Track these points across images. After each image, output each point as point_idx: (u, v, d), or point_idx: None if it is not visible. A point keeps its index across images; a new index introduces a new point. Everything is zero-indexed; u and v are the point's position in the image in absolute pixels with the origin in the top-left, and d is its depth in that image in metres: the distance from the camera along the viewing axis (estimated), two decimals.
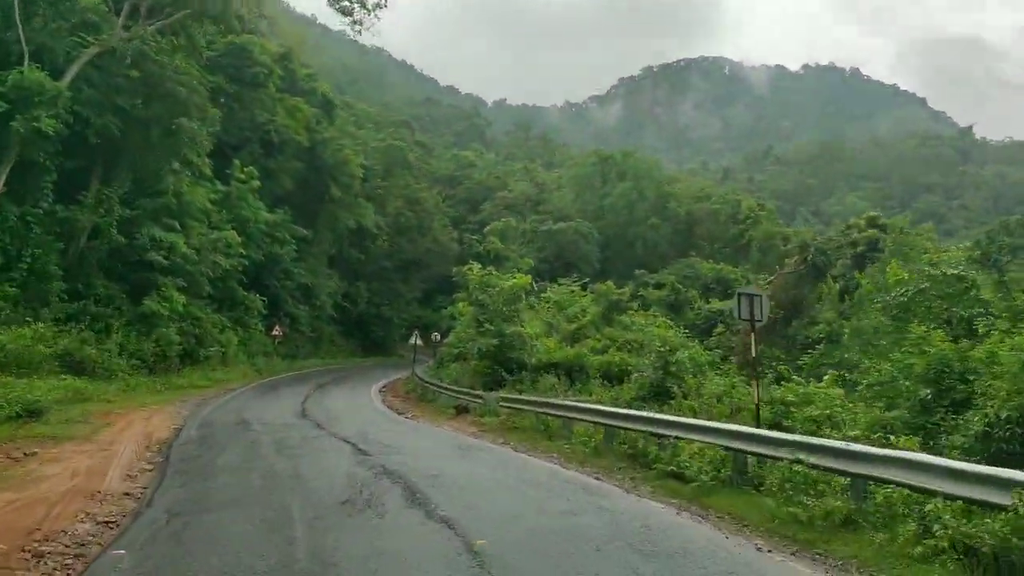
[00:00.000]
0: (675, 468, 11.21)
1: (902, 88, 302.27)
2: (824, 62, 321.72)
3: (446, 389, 26.37)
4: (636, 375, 26.56)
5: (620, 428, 13.55)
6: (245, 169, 40.68)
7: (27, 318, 24.27)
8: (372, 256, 62.93)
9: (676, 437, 11.81)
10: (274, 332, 43.03)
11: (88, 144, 27.53)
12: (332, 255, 57.63)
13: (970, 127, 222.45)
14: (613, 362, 28.94)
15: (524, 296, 29.81)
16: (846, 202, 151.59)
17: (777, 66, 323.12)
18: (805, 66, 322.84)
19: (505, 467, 12.22)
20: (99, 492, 9.16)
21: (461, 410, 21.08)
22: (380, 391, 32.65)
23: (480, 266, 31.14)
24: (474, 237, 62.94)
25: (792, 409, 14.01)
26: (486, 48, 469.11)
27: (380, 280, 65.59)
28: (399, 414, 22.92)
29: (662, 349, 26.68)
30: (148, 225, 30.62)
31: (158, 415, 17.34)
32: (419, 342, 40.99)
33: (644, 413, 13.78)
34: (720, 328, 42.20)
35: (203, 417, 18.19)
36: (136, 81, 28.37)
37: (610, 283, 41.29)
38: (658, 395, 24.37)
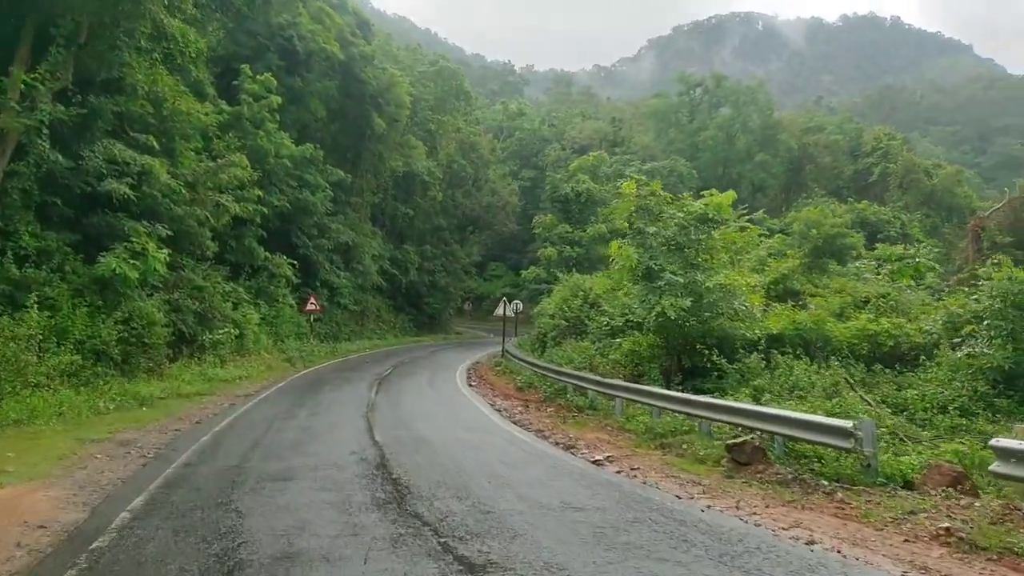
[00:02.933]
0: None
1: (946, 36, 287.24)
2: (863, 11, 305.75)
3: (640, 394, 14.47)
4: (965, 351, 15.28)
5: None
6: (259, 77, 29.04)
7: None
8: (422, 212, 51.10)
9: None
10: (309, 306, 31.79)
11: None
12: (375, 209, 45.99)
13: None
14: (880, 331, 17.19)
15: (720, 227, 17.89)
16: (918, 149, 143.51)
17: (813, 18, 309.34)
18: (843, 17, 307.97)
19: None
20: None
21: (751, 454, 9.09)
22: (475, 390, 21.15)
23: (639, 179, 19.51)
24: (556, 175, 50.59)
25: None
26: (506, 16, 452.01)
27: (432, 242, 53.76)
28: (576, 453, 11.29)
29: (1002, 306, 15.61)
30: (102, 138, 19.25)
31: None
32: (511, 313, 29.43)
33: None
34: (932, 275, 30.21)
35: None
36: None
37: (822, 206, 28.78)
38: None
